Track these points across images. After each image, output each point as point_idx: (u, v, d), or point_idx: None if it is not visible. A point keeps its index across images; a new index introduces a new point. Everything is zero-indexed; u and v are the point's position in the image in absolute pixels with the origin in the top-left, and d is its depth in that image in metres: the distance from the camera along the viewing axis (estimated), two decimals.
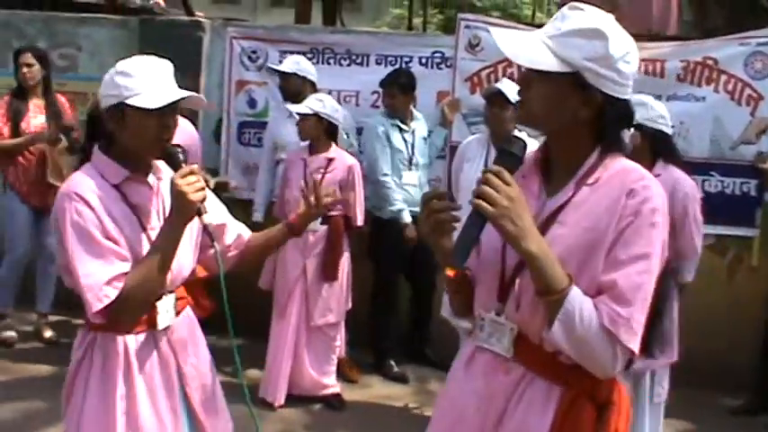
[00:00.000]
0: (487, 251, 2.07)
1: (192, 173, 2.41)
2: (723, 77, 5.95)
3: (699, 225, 4.17)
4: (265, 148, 5.87)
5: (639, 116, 4.00)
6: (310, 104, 5.14)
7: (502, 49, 1.95)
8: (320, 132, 5.21)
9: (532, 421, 1.97)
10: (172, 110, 2.50)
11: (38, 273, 6.19)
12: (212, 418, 2.77)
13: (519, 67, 2.00)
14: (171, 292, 2.62)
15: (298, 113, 5.15)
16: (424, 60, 6.28)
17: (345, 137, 5.92)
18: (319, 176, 5.20)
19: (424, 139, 5.99)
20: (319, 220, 5.20)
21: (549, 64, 1.90)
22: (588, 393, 1.95)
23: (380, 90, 6.15)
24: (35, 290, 6.21)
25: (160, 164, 2.65)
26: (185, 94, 2.51)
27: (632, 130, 2.66)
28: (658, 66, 5.99)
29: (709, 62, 5.96)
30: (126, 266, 2.42)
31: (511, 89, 4.84)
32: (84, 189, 2.44)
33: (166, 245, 2.44)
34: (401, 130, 5.86)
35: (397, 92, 5.84)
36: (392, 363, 5.93)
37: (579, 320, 1.83)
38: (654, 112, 4.14)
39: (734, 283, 6.11)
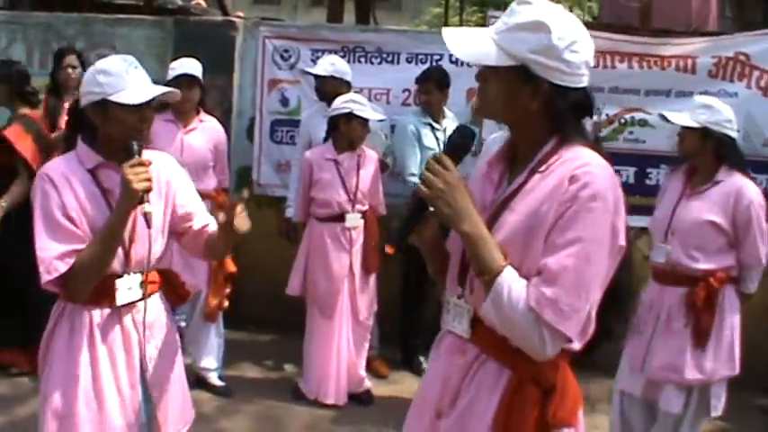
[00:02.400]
0: (453, 237, 2.15)
1: (140, 164, 2.65)
2: (755, 73, 5.91)
3: (764, 234, 4.04)
4: (299, 146, 5.89)
5: (704, 119, 3.98)
6: (373, 112, 5.20)
7: (449, 49, 2.03)
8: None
9: (481, 402, 2.05)
10: (148, 104, 2.74)
11: None
12: (166, 399, 2.94)
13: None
14: (138, 273, 2.81)
15: (365, 119, 5.16)
16: (454, 58, 6.25)
17: (384, 138, 5.97)
18: (354, 174, 5.25)
19: None
20: (359, 215, 5.26)
21: (495, 59, 1.98)
22: (532, 378, 2.00)
23: (411, 88, 6.19)
24: None
25: (148, 154, 2.84)
26: (161, 90, 2.77)
27: (595, 118, 2.69)
28: (689, 62, 5.95)
29: (742, 57, 5.91)
30: (78, 245, 2.65)
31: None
32: (55, 171, 2.73)
33: (112, 227, 2.66)
34: (433, 128, 5.87)
35: (434, 88, 5.85)
36: (421, 359, 5.95)
37: (507, 300, 1.90)
38: (720, 115, 4.03)
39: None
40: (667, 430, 4.11)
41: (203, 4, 12.14)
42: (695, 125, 4.01)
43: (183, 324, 5.33)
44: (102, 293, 2.75)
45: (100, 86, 2.70)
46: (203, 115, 5.37)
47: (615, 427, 4.41)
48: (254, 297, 6.33)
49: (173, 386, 2.98)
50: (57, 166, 2.76)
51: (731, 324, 4.09)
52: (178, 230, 2.99)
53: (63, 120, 6.11)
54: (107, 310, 2.78)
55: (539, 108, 2.01)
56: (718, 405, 4.12)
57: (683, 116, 4.06)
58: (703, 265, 4.01)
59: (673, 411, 4.05)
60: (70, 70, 6.14)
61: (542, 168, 2.01)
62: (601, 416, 5.35)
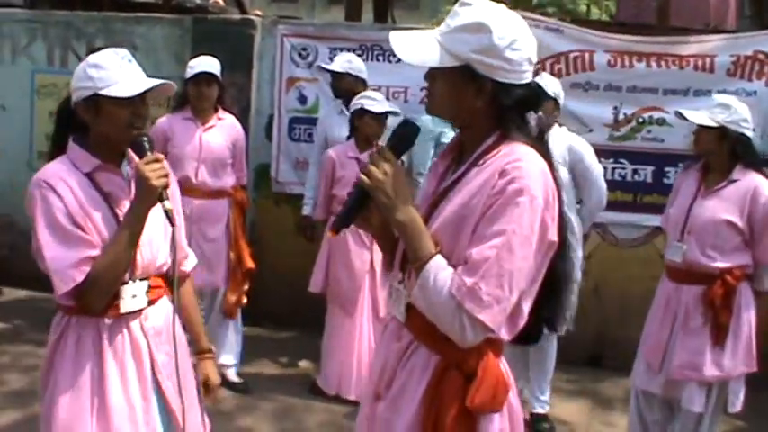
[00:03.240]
0: None
1: (156, 160, 2.52)
2: None
3: None
4: (316, 144, 5.92)
5: (722, 119, 3.99)
6: (387, 108, 5.20)
7: (396, 52, 2.08)
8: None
9: (410, 386, 2.13)
10: (142, 99, 2.59)
11: None
12: (185, 408, 2.74)
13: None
14: (143, 279, 2.67)
15: (383, 114, 5.16)
16: None
17: None
18: None
19: None
20: None
21: (439, 60, 2.04)
22: (456, 364, 2.07)
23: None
24: None
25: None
26: (155, 83, 2.59)
27: (539, 113, 2.75)
28: (708, 61, 5.93)
29: (760, 56, 5.89)
30: (93, 251, 2.51)
31: (548, 83, 4.85)
32: (53, 178, 2.55)
33: (131, 227, 2.52)
34: (453, 127, 5.87)
35: None
36: None
37: (432, 286, 1.98)
38: (737, 115, 4.03)
39: None
40: (689, 428, 4.13)
41: (221, 2, 12.19)
42: (712, 124, 4.01)
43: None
44: (110, 303, 2.60)
45: (91, 81, 2.55)
46: (222, 113, 5.40)
47: (634, 426, 4.43)
48: (272, 294, 6.36)
49: (190, 394, 2.84)
50: (53, 172, 2.58)
51: (748, 321, 4.09)
52: None
53: None
54: (112, 320, 2.62)
55: (483, 106, 2.08)
56: (736, 401, 4.14)
57: (701, 115, 4.07)
58: (720, 264, 4.02)
59: (696, 410, 4.07)
60: None
61: (480, 162, 2.08)
62: (615, 414, 5.38)
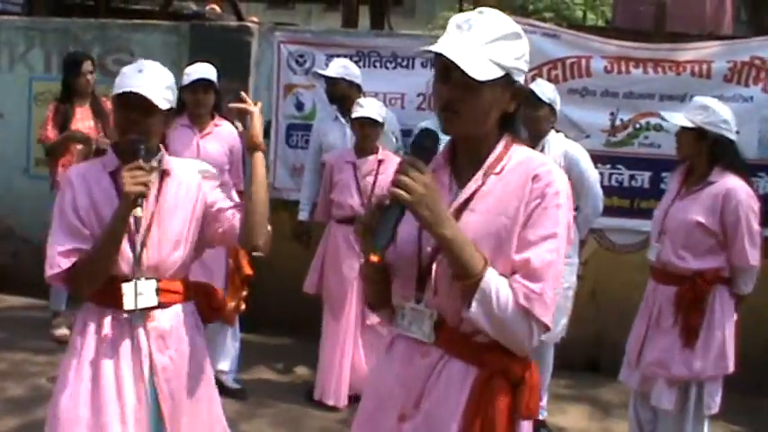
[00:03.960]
0: (404, 242, 2.15)
1: (139, 168, 2.65)
2: None
3: (753, 236, 4.04)
4: (311, 150, 5.93)
5: (699, 120, 4.02)
6: (378, 112, 5.21)
7: (467, 71, 1.95)
8: (378, 137, 5.31)
9: (449, 401, 2.07)
10: (137, 107, 2.73)
11: None
12: (181, 414, 2.82)
13: (447, 76, 2.02)
14: (150, 279, 2.78)
15: (366, 118, 5.18)
16: None
17: (394, 140, 5.99)
18: (371, 179, 5.28)
19: None
20: None
21: (494, 71, 1.99)
22: (503, 372, 2.04)
23: (425, 93, 6.25)
24: None
25: (176, 162, 2.94)
26: (132, 88, 2.71)
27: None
28: (704, 67, 5.95)
29: (757, 62, 5.90)
30: (84, 245, 2.71)
31: (544, 89, 4.84)
32: (76, 174, 2.82)
33: (108, 230, 2.68)
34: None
35: None
36: None
37: (496, 300, 1.94)
38: (716, 116, 4.06)
39: None
40: (668, 429, 4.19)
41: (218, 9, 12.21)
42: (690, 125, 4.05)
43: None
44: (109, 296, 2.74)
45: (114, 86, 2.80)
46: (218, 119, 5.41)
47: (632, 423, 4.50)
48: (270, 300, 6.35)
49: (193, 404, 2.89)
50: (78, 169, 2.86)
51: (722, 324, 4.10)
52: (213, 230, 2.93)
53: (72, 124, 6.15)
54: (116, 314, 2.76)
55: (511, 111, 2.10)
56: (712, 404, 4.16)
57: (679, 116, 4.11)
58: (692, 265, 4.06)
59: (663, 407, 4.12)
60: (90, 76, 6.21)
61: (497, 170, 2.08)
62: (614, 419, 5.38)
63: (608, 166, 6.12)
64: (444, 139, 2.16)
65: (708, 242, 4.05)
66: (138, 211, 2.64)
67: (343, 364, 5.34)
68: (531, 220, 2.00)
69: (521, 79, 2.08)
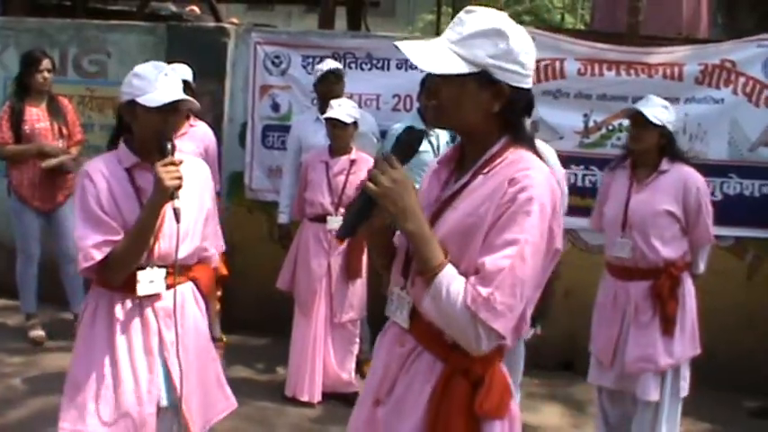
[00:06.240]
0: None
1: (172, 163, 2.82)
2: (741, 79, 5.98)
3: (710, 215, 4.28)
4: (290, 151, 5.95)
5: (665, 118, 4.19)
6: (349, 113, 5.26)
7: (412, 60, 2.06)
8: (352, 137, 5.36)
9: (414, 391, 2.13)
10: (174, 109, 2.93)
11: (62, 276, 6.31)
12: (190, 386, 3.03)
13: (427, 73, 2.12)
14: (161, 267, 2.97)
15: (335, 120, 5.23)
16: None
17: (375, 141, 6.02)
18: (342, 178, 5.31)
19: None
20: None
21: (458, 67, 2.03)
22: (463, 370, 2.08)
23: (401, 94, 6.30)
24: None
25: (185, 158, 3.02)
26: (180, 97, 2.93)
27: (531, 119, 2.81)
28: (676, 69, 6.03)
29: (728, 64, 5.99)
30: (114, 236, 2.86)
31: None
32: (94, 169, 2.94)
33: (144, 221, 2.84)
34: (427, 135, 5.92)
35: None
36: None
37: (446, 297, 1.97)
38: (673, 115, 4.31)
39: (753, 284, 6.12)
40: (650, 418, 4.25)
41: (197, 10, 12.20)
42: (659, 123, 4.18)
43: None
44: (125, 283, 2.91)
45: (131, 88, 2.92)
46: (194, 120, 5.42)
47: (599, 422, 4.55)
48: (246, 300, 6.38)
49: (199, 374, 3.10)
50: (97, 165, 2.96)
51: (691, 307, 4.29)
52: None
53: (27, 123, 6.11)
54: (129, 300, 2.94)
55: (498, 110, 2.08)
56: (685, 385, 4.31)
57: (649, 113, 4.18)
58: (663, 254, 4.19)
59: (652, 399, 4.20)
60: (47, 74, 6.17)
61: (486, 170, 2.09)
62: (587, 417, 5.43)
63: (581, 167, 6.18)
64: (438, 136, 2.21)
65: (673, 228, 4.21)
66: (176, 203, 2.80)
67: (315, 359, 5.38)
68: (498, 224, 1.99)
69: (510, 79, 2.06)
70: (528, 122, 2.22)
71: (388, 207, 2.01)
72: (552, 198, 2.02)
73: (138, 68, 2.99)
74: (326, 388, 5.44)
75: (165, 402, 2.99)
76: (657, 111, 4.20)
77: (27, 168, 6.13)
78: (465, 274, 2.00)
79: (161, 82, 2.92)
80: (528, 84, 2.10)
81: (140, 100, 2.88)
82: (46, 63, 6.18)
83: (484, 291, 1.95)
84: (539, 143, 5.05)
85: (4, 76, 7.18)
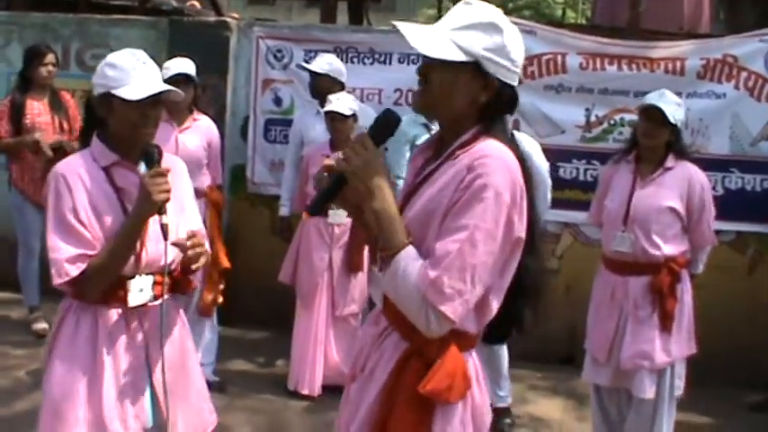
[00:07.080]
0: None
1: (160, 174, 2.63)
2: (743, 74, 5.99)
3: (713, 214, 4.27)
4: (291, 144, 5.95)
5: (679, 117, 4.14)
6: (348, 105, 5.27)
7: (411, 44, 2.09)
8: (352, 130, 5.36)
9: (378, 370, 2.20)
10: (153, 102, 2.69)
11: None
12: (175, 403, 2.83)
13: (421, 58, 2.14)
14: (149, 274, 2.76)
15: (335, 113, 5.24)
16: None
17: None
18: None
19: None
20: (345, 213, 5.31)
21: (455, 54, 2.07)
22: (419, 351, 2.12)
23: (403, 88, 6.31)
24: None
25: (167, 158, 2.84)
26: (163, 88, 2.71)
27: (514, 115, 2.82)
28: (678, 64, 6.03)
29: (729, 59, 5.99)
30: (90, 250, 2.63)
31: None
32: (69, 171, 2.69)
33: (127, 234, 2.65)
34: (428, 128, 5.93)
35: None
36: None
37: (402, 277, 2.01)
38: (683, 112, 4.25)
39: (754, 279, 6.14)
40: (646, 416, 4.23)
41: (198, 5, 12.19)
42: (673, 121, 4.13)
43: None
44: (113, 294, 2.71)
45: (106, 79, 2.69)
46: (197, 114, 5.43)
47: (596, 419, 4.54)
48: (248, 294, 6.39)
49: (183, 390, 2.90)
50: (71, 166, 2.72)
51: (688, 305, 4.26)
52: None
53: (28, 117, 6.12)
54: (113, 311, 2.73)
55: (483, 102, 2.13)
56: (681, 384, 4.28)
57: (666, 110, 4.13)
58: (665, 251, 4.16)
59: (648, 397, 4.17)
60: (52, 68, 6.19)
61: (453, 157, 2.13)
62: (589, 410, 5.42)
63: (583, 161, 6.19)
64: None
65: (676, 227, 4.17)
66: (165, 219, 2.64)
67: (317, 353, 5.40)
68: (453, 209, 2.03)
69: (499, 74, 2.11)
70: (510, 119, 2.25)
71: (357, 185, 2.07)
72: (512, 186, 2.04)
73: (113, 57, 2.74)
74: (328, 380, 5.44)
75: (150, 424, 2.79)
76: (673, 109, 4.14)
77: (27, 163, 6.15)
78: (425, 258, 2.04)
79: (139, 72, 2.68)
80: (515, 81, 2.15)
81: (117, 92, 2.64)
82: (50, 57, 6.21)
83: (432, 273, 1.98)
84: (521, 136, 5.14)
85: (8, 71, 7.19)
